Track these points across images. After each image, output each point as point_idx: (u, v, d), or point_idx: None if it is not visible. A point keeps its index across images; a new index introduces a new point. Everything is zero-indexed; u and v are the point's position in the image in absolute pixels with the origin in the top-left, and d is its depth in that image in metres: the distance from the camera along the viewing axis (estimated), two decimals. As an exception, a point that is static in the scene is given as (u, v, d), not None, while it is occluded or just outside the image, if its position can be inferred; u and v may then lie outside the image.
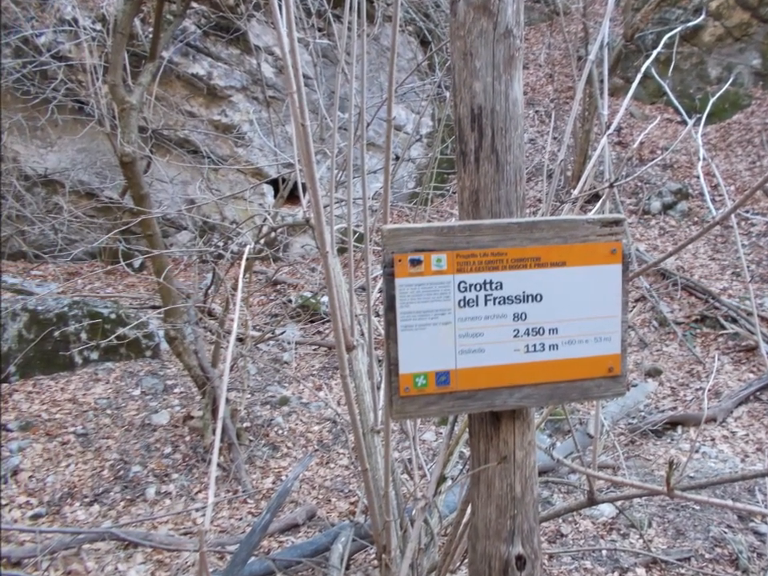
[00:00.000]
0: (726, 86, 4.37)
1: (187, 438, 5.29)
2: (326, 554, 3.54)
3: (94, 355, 6.11)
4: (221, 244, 6.66)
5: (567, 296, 1.45)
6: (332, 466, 5.25)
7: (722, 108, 11.49)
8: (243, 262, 2.23)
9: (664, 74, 10.20)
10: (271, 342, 7.22)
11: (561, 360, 1.47)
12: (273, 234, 6.83)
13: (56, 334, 5.82)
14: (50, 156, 8.55)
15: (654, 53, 2.52)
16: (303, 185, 2.70)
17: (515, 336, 1.44)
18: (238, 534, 4.27)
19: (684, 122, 11.49)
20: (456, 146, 1.51)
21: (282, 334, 7.09)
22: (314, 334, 7.79)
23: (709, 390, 6.28)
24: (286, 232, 8.23)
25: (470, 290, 1.40)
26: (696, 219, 9.74)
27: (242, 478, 4.88)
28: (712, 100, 3.17)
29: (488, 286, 1.41)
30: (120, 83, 4.55)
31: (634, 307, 7.89)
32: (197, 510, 4.54)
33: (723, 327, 7.31)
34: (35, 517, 4.26)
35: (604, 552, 3.83)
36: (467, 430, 1.70)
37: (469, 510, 1.83)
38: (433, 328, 1.40)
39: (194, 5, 8.53)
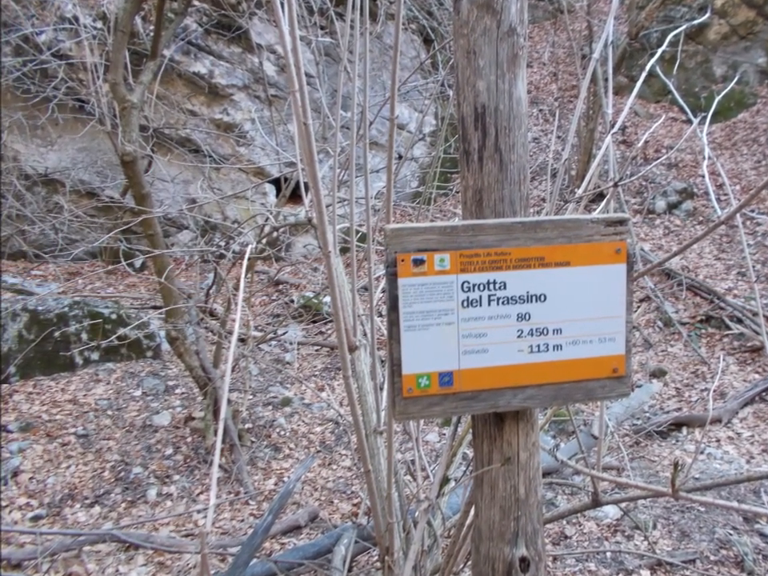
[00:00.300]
0: (732, 84, 4.34)
1: (188, 439, 5.28)
2: (329, 556, 3.54)
3: (95, 356, 6.09)
4: (222, 244, 6.65)
5: (571, 296, 1.44)
6: (334, 467, 5.23)
7: (728, 107, 11.46)
8: (245, 262, 2.22)
9: (669, 72, 10.19)
10: (273, 343, 7.21)
11: (565, 360, 1.47)
12: (275, 234, 6.82)
13: (56, 334, 5.80)
14: (51, 155, 8.55)
15: (659, 51, 2.50)
16: (305, 184, 2.68)
17: (519, 336, 1.44)
18: (239, 536, 4.25)
19: (689, 121, 11.46)
20: (459, 145, 1.51)
21: (284, 334, 7.07)
22: (316, 335, 7.78)
23: (714, 391, 6.26)
24: (288, 232, 8.23)
25: (474, 290, 1.39)
26: (701, 219, 9.72)
27: (244, 479, 4.87)
28: (717, 99, 3.15)
29: (491, 286, 1.40)
30: (121, 82, 4.54)
31: (638, 307, 7.87)
32: (198, 511, 4.53)
33: (728, 327, 7.29)
34: (35, 518, 4.25)
35: (608, 554, 3.81)
36: (470, 431, 1.69)
37: (472, 512, 1.82)
38: (436, 328, 1.39)
39: (196, 3, 8.52)
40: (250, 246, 2.66)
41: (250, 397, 5.95)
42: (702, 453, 5.22)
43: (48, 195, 8.52)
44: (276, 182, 9.38)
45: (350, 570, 3.50)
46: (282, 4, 1.40)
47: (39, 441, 4.93)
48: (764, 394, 6.08)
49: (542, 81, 13.26)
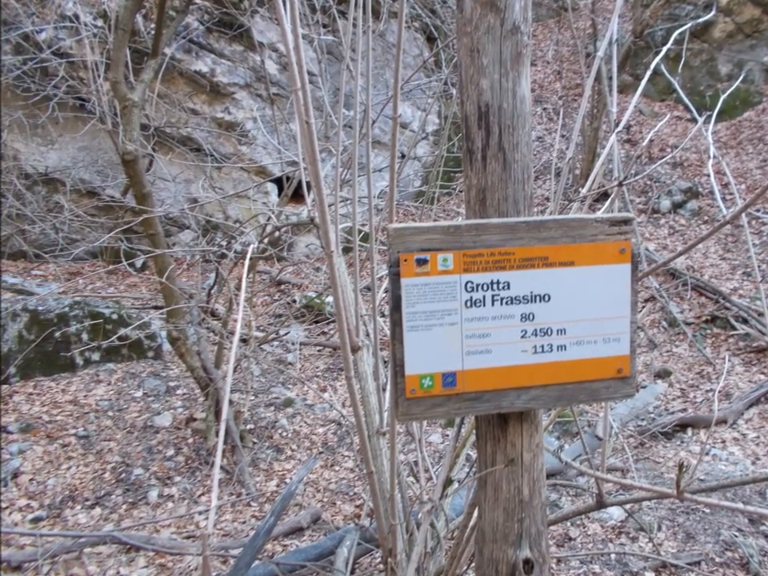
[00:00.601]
0: (737, 83, 4.33)
1: (190, 441, 5.26)
2: (331, 558, 3.52)
3: (96, 356, 6.08)
4: (224, 243, 6.64)
5: (575, 296, 1.44)
6: (337, 468, 5.22)
7: (733, 105, 11.43)
8: (247, 262, 2.21)
9: (674, 70, 10.17)
10: (275, 343, 7.20)
11: (569, 361, 1.46)
12: (277, 234, 6.81)
13: (57, 334, 5.78)
14: (51, 154, 8.54)
15: (664, 49, 2.49)
16: (308, 183, 2.67)
17: (523, 337, 1.44)
18: (241, 538, 4.24)
19: (694, 120, 11.44)
20: (463, 144, 1.51)
21: (286, 334, 7.07)
22: (318, 335, 7.76)
23: (719, 392, 6.24)
24: (290, 231, 8.23)
25: (477, 290, 1.39)
26: (706, 218, 9.69)
27: (246, 480, 4.85)
28: (722, 97, 3.12)
29: (495, 286, 1.40)
30: (122, 80, 4.53)
31: (643, 307, 7.85)
32: (200, 513, 4.51)
33: (734, 328, 7.26)
34: (36, 520, 4.24)
35: (613, 556, 3.80)
36: (474, 432, 1.68)
37: (476, 514, 1.81)
38: (439, 328, 1.39)
39: (197, 1, 8.52)
40: (251, 246, 2.64)
41: (252, 398, 5.94)
42: (707, 454, 5.20)
43: (48, 194, 8.50)
44: (278, 181, 9.38)
45: (352, 572, 3.48)
46: (283, 2, 1.39)
47: (39, 442, 4.92)
48: (769, 394, 6.05)
49: (546, 79, 13.24)
